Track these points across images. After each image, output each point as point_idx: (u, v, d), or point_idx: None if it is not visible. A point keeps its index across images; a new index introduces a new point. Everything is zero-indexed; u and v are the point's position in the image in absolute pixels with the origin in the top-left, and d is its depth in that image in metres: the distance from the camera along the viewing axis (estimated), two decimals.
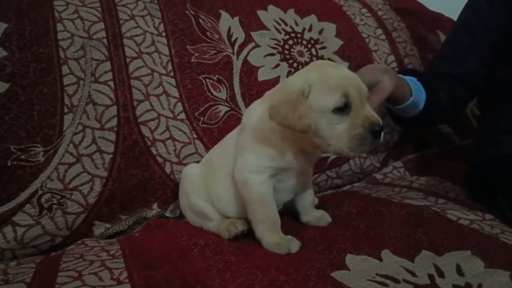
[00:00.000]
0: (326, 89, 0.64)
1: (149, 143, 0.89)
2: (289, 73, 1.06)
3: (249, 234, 0.74)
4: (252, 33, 1.05)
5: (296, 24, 1.13)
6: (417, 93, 0.95)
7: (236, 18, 1.06)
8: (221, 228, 0.75)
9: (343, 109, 0.63)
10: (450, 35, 1.08)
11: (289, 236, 0.71)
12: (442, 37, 1.33)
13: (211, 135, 0.94)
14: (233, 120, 0.96)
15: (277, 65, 1.05)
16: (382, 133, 0.65)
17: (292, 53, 1.08)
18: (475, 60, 1.02)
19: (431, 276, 0.59)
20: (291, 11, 1.15)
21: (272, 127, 0.68)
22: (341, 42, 1.16)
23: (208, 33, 1.01)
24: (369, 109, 0.65)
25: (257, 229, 0.72)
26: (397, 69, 1.21)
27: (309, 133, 0.64)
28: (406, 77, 0.98)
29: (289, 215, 0.82)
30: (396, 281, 0.58)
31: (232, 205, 0.77)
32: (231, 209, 0.77)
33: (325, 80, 0.64)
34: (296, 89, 0.64)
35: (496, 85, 1.00)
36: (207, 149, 0.92)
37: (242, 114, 0.98)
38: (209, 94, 0.96)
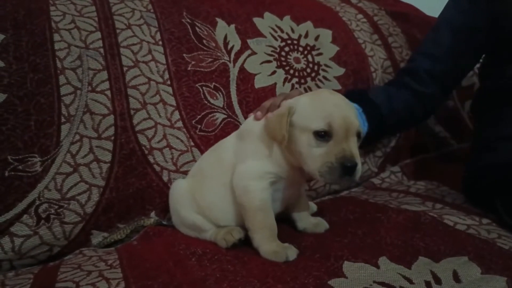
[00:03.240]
0: (313, 111, 0.67)
1: (146, 152, 0.89)
2: (285, 80, 1.06)
3: (246, 242, 0.74)
4: (249, 41, 1.06)
5: (292, 30, 1.14)
6: None
7: (233, 26, 1.06)
8: (218, 237, 0.75)
9: (323, 135, 0.65)
10: (432, 32, 1.07)
11: (286, 244, 0.71)
12: None
13: (208, 143, 0.94)
14: (230, 128, 0.97)
15: (274, 72, 1.06)
16: (357, 172, 0.65)
17: (288, 60, 1.09)
18: (457, 60, 1.02)
19: (428, 283, 0.59)
20: (287, 18, 1.15)
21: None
22: (337, 48, 1.16)
23: (204, 41, 1.01)
24: (351, 145, 0.66)
25: (255, 237, 0.72)
26: (393, 74, 1.22)
27: (284, 143, 0.68)
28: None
29: (285, 223, 0.82)
30: None
31: (226, 214, 0.77)
32: (224, 218, 0.77)
33: (316, 103, 0.68)
34: (286, 106, 0.69)
35: (490, 90, 1.00)
36: None
37: (239, 122, 0.98)
38: (206, 102, 0.97)
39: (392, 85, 1.10)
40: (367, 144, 1.10)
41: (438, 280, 0.60)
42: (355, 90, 1.11)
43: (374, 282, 0.60)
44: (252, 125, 0.76)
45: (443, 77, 1.03)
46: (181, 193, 0.81)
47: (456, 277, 0.61)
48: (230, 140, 0.80)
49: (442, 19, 1.06)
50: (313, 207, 0.90)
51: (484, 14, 0.96)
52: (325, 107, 0.67)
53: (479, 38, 0.98)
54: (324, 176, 0.65)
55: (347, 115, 0.66)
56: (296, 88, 1.06)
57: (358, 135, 0.68)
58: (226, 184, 0.75)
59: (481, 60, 1.08)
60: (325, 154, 0.65)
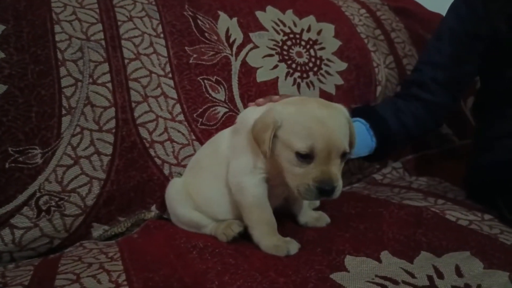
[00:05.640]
0: (297, 128, 0.64)
1: (147, 145, 0.88)
2: (287, 74, 1.06)
3: (248, 236, 0.74)
4: (251, 34, 1.05)
5: (295, 24, 1.13)
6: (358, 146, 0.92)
7: (235, 19, 1.05)
8: (217, 232, 0.74)
9: (305, 157, 0.63)
10: (434, 39, 1.05)
11: (287, 238, 0.71)
12: None
13: (209, 137, 0.93)
14: (231, 121, 0.95)
15: (276, 66, 1.05)
16: (336, 192, 0.64)
17: (290, 54, 1.08)
18: (461, 67, 1.00)
19: (430, 277, 0.59)
20: (289, 11, 1.15)
21: None
22: (340, 43, 1.16)
23: (206, 34, 1.01)
24: (332, 168, 0.64)
25: (254, 233, 0.71)
26: (396, 69, 1.21)
27: (266, 157, 0.66)
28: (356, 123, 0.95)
29: (287, 217, 0.81)
30: (395, 282, 0.58)
31: (222, 206, 0.76)
32: (221, 211, 0.76)
33: (301, 118, 0.65)
34: (272, 118, 0.66)
35: (490, 90, 0.99)
36: None
37: None
38: (208, 95, 0.96)
39: (400, 97, 1.07)
40: (377, 160, 1.08)
41: (440, 275, 0.60)
42: (362, 106, 1.09)
43: (376, 276, 0.60)
44: (246, 120, 0.73)
45: (449, 85, 1.01)
46: (176, 190, 0.81)
47: (459, 272, 0.60)
48: (226, 133, 0.79)
49: (443, 26, 1.04)
50: (316, 202, 0.90)
51: (483, 21, 0.95)
52: (309, 125, 0.64)
53: (480, 44, 0.97)
54: (301, 194, 0.65)
55: (331, 137, 0.63)
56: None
57: (343, 155, 0.66)
58: (220, 176, 0.75)
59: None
60: (304, 174, 0.64)
